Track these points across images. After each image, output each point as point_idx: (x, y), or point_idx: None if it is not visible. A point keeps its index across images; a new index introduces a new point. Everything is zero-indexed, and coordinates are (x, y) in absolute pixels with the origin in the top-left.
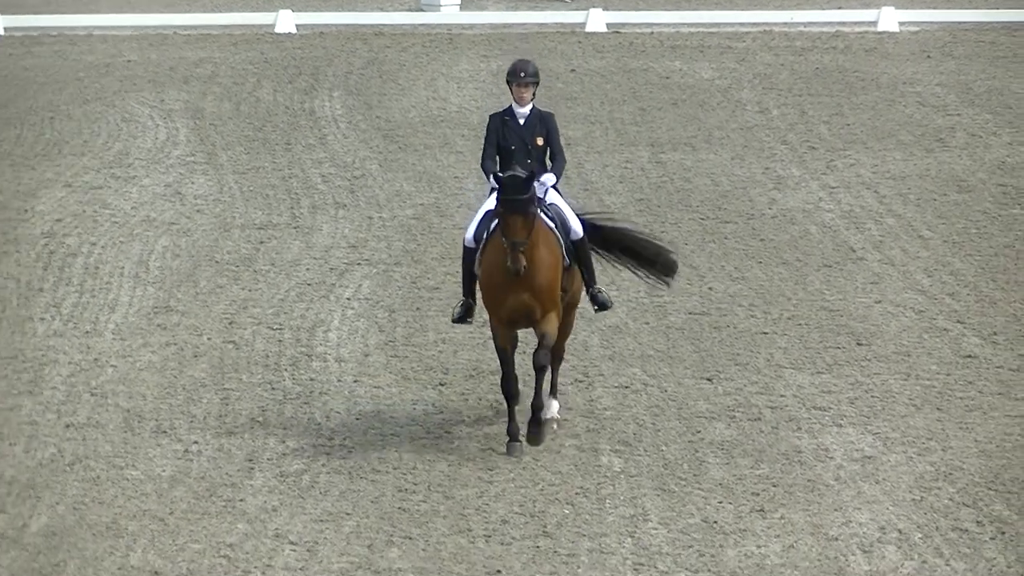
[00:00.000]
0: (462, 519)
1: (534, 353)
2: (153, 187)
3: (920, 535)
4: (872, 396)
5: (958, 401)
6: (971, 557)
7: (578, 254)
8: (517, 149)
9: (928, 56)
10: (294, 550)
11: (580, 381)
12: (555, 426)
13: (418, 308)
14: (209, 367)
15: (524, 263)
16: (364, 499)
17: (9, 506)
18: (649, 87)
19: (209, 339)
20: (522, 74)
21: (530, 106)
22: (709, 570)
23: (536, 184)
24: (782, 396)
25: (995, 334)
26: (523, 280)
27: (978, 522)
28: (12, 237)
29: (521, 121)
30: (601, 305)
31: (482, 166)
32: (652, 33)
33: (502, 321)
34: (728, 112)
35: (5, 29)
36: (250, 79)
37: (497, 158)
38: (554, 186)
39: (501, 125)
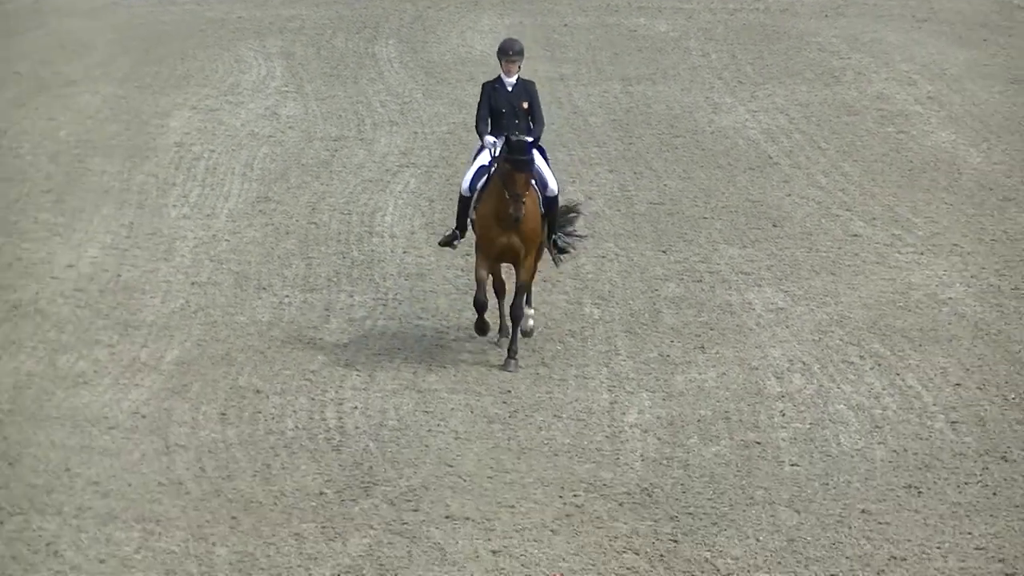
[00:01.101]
0: (482, 353)
1: (511, 305)
2: (256, 110)
3: (818, 366)
4: (783, 264)
5: (847, 268)
6: (855, 382)
7: (549, 206)
8: (507, 112)
9: (826, 16)
10: (359, 375)
11: (568, 253)
12: (531, 322)
13: (450, 199)
14: (297, 241)
15: (524, 211)
16: (410, 339)
17: (150, 342)
18: (621, 37)
19: (296, 221)
20: (511, 52)
21: (516, 77)
22: (663, 391)
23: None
24: (717, 264)
25: (874, 219)
26: (515, 222)
27: (860, 356)
28: (152, 146)
29: (509, 88)
30: (560, 249)
31: (476, 127)
32: None
33: (489, 257)
34: (679, 56)
35: None
36: (327, 30)
37: (488, 120)
38: (539, 147)
39: (492, 91)
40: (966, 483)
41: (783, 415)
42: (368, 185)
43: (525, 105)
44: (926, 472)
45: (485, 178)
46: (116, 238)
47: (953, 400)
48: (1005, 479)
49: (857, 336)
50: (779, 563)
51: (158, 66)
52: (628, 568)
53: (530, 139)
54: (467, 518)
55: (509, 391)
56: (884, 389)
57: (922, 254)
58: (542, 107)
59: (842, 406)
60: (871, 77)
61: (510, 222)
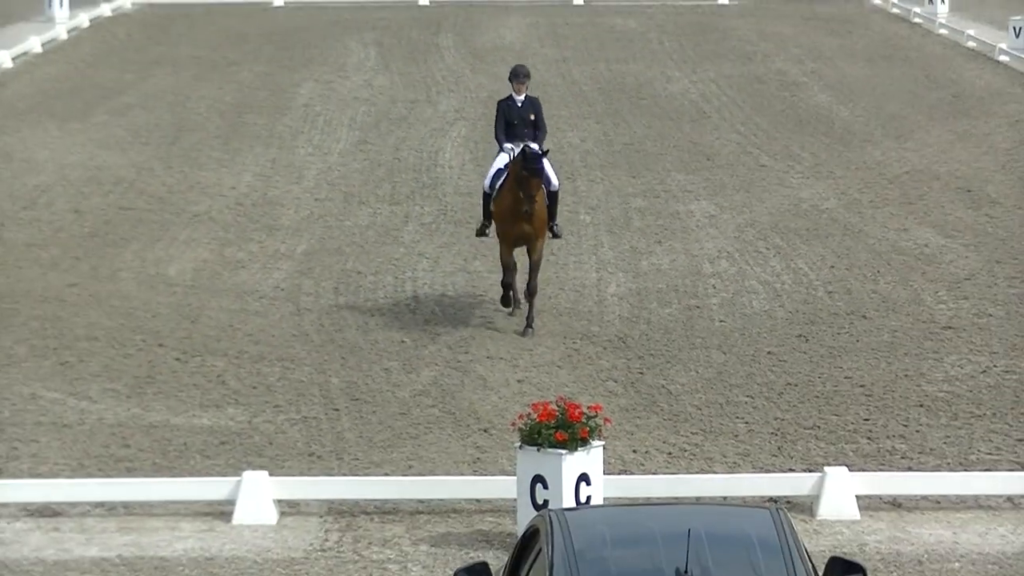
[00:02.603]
0: None
1: (528, 282)
2: (357, 81)
3: (738, 254)
4: (714, 185)
5: (757, 187)
6: (763, 265)
7: (552, 199)
8: (519, 124)
9: (743, 16)
10: (428, 261)
11: (560, 236)
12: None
13: (488, 144)
14: (386, 170)
15: (535, 205)
16: (462, 236)
17: (287, 239)
18: (604, 32)
19: (385, 157)
20: (521, 75)
21: (524, 95)
22: (633, 271)
23: (531, 148)
24: (669, 185)
25: (776, 154)
26: (528, 215)
27: (767, 248)
28: (288, 106)
29: (519, 104)
30: (555, 235)
31: (495, 137)
32: (606, 4)
33: (509, 242)
34: (643, 44)
35: (282, 3)
36: (405, 26)
37: (504, 130)
38: (544, 152)
39: (507, 107)
40: (838, 333)
41: (714, 287)
42: (433, 132)
43: (532, 117)
44: (811, 326)
45: (503, 179)
46: (263, 168)
47: (829, 277)
48: (865, 330)
49: (764, 234)
50: (712, 388)
51: (291, 51)
52: (609, 391)
53: (541, 151)
54: (501, 357)
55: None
56: (783, 270)
57: (808, 178)
58: (544, 118)
59: (754, 281)
60: (773, 58)
61: (524, 215)
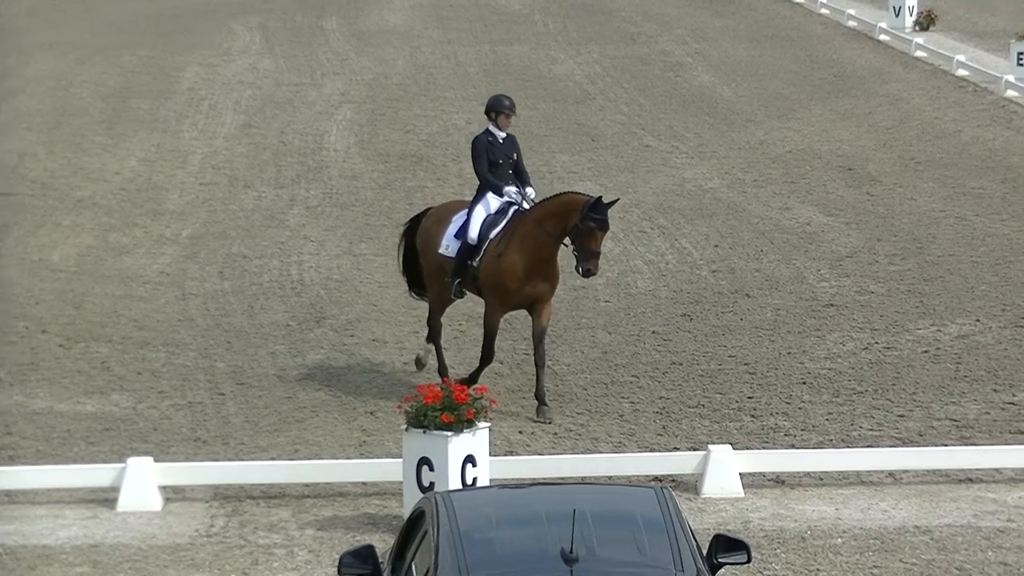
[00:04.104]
0: (397, 228)
1: (537, 352)
2: (242, 65)
3: (623, 234)
4: (599, 166)
5: (642, 168)
6: (648, 245)
7: None
8: (502, 163)
9: None
10: (313, 243)
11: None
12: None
13: (375, 124)
14: (271, 154)
15: (595, 263)
16: (348, 219)
17: (172, 224)
18: (489, 13)
19: (270, 140)
20: (507, 108)
21: (507, 131)
22: None
23: (528, 193)
24: (555, 166)
25: (660, 135)
26: (544, 273)
27: (651, 228)
28: (172, 90)
29: (501, 141)
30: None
31: (484, 178)
32: None
33: (507, 306)
34: (528, 26)
35: None
36: (290, 10)
37: None
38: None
39: (488, 144)
40: (722, 312)
41: (600, 268)
42: (319, 115)
43: (514, 156)
44: (695, 305)
45: (501, 228)
46: (148, 153)
47: (713, 256)
48: (748, 309)
49: (649, 214)
50: (597, 368)
51: (175, 35)
52: (495, 373)
53: (611, 199)
54: (386, 341)
55: None
56: (667, 249)
57: (692, 158)
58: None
59: (639, 261)
60: (657, 39)
61: (585, 273)
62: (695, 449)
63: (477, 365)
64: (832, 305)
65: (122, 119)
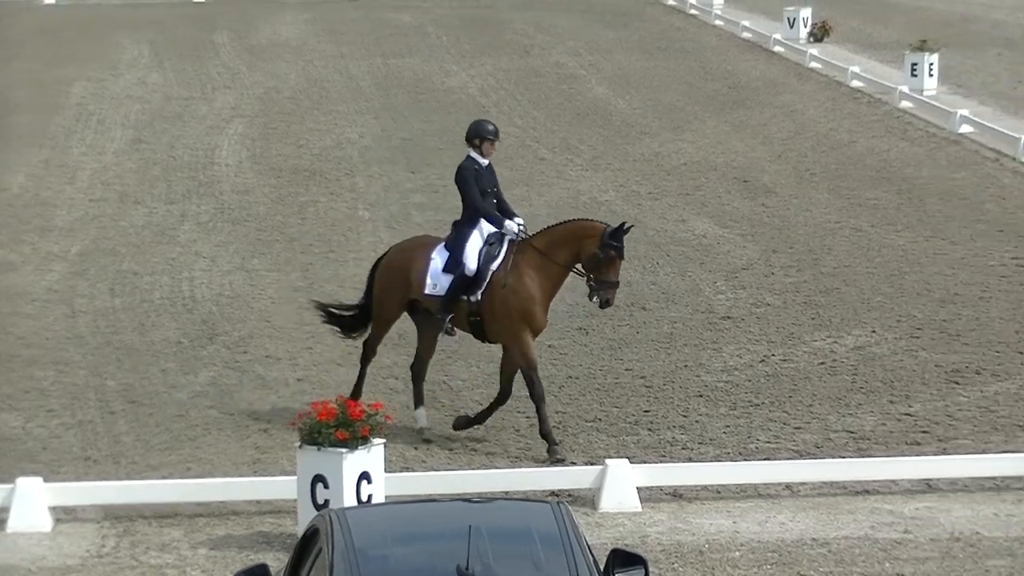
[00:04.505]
0: (289, 243)
1: (536, 388)
2: (131, 79)
3: None
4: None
5: (537, 181)
6: None
7: None
8: (489, 193)
9: (519, 9)
10: (205, 259)
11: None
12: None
13: (267, 137)
14: (161, 169)
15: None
16: (240, 235)
17: (60, 240)
18: (380, 26)
19: (160, 155)
20: (491, 135)
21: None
22: None
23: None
24: (448, 180)
25: (554, 147)
26: (546, 305)
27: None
28: (60, 105)
29: (485, 168)
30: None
31: (480, 208)
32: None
33: (534, 333)
34: (420, 38)
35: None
36: (180, 24)
37: None
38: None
39: (476, 173)
40: (619, 325)
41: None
42: (209, 130)
43: (497, 186)
44: (591, 318)
45: (501, 259)
46: (35, 169)
47: None
48: (644, 322)
49: (540, 228)
50: (492, 382)
51: (62, 49)
52: (391, 389)
53: (628, 227)
54: (280, 357)
55: (309, 267)
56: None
57: (587, 171)
58: None
59: None
60: (551, 51)
61: (604, 305)
62: (592, 464)
63: (490, 403)
64: (728, 317)
65: (8, 134)
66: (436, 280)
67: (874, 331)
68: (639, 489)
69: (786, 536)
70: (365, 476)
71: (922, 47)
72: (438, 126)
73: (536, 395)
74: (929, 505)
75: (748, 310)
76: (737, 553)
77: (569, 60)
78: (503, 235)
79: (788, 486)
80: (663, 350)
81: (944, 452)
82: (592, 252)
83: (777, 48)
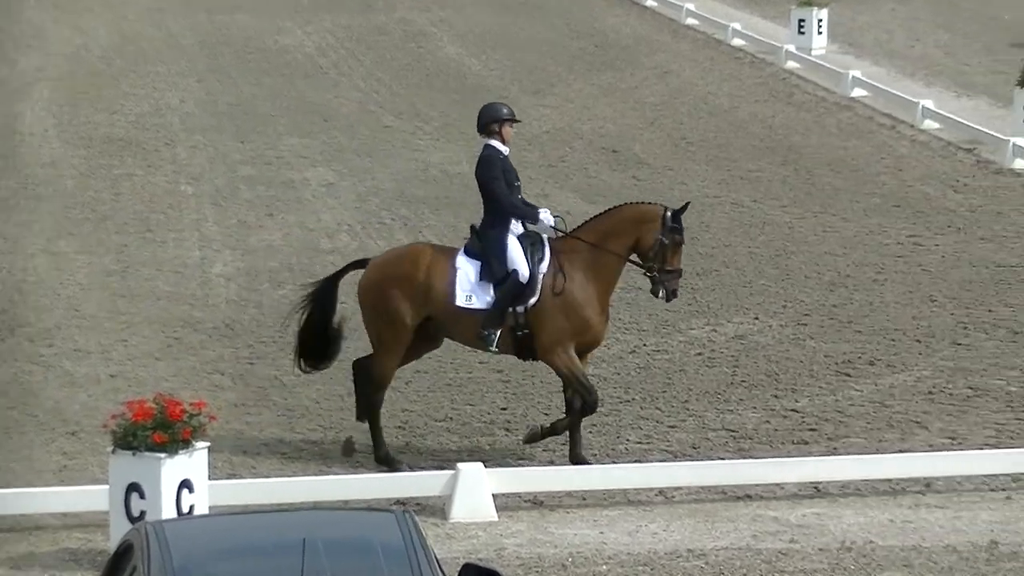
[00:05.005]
0: (100, 222)
1: (575, 399)
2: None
3: (360, 227)
4: (332, 149)
5: (381, 151)
6: (388, 238)
7: None
8: (515, 186)
9: None
10: (4, 242)
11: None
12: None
13: (75, 113)
14: None
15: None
16: (44, 213)
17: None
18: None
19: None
20: (508, 117)
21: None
22: (242, 248)
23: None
24: (282, 150)
25: (401, 113)
26: (605, 307)
27: (392, 219)
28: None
29: (505, 156)
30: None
31: (511, 202)
32: None
33: (593, 344)
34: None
35: None
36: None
37: None
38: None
39: (503, 163)
40: None
41: (333, 265)
42: (11, 95)
43: (519, 179)
44: None
45: (547, 260)
46: None
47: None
48: None
49: (389, 203)
50: (331, 378)
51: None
52: (216, 385)
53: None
54: (90, 351)
55: (123, 249)
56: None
57: (438, 140)
58: None
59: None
60: (396, 6)
61: (605, 305)
62: (442, 468)
63: (568, 417)
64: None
65: None
66: (471, 291)
67: (757, 318)
68: (495, 496)
69: (659, 547)
70: (186, 484)
71: (810, 2)
72: (270, 90)
73: (588, 405)
74: (817, 511)
75: (616, 295)
76: (604, 567)
77: (417, 16)
78: (538, 233)
79: (661, 491)
80: None
81: (834, 452)
82: (655, 239)
83: (650, 2)
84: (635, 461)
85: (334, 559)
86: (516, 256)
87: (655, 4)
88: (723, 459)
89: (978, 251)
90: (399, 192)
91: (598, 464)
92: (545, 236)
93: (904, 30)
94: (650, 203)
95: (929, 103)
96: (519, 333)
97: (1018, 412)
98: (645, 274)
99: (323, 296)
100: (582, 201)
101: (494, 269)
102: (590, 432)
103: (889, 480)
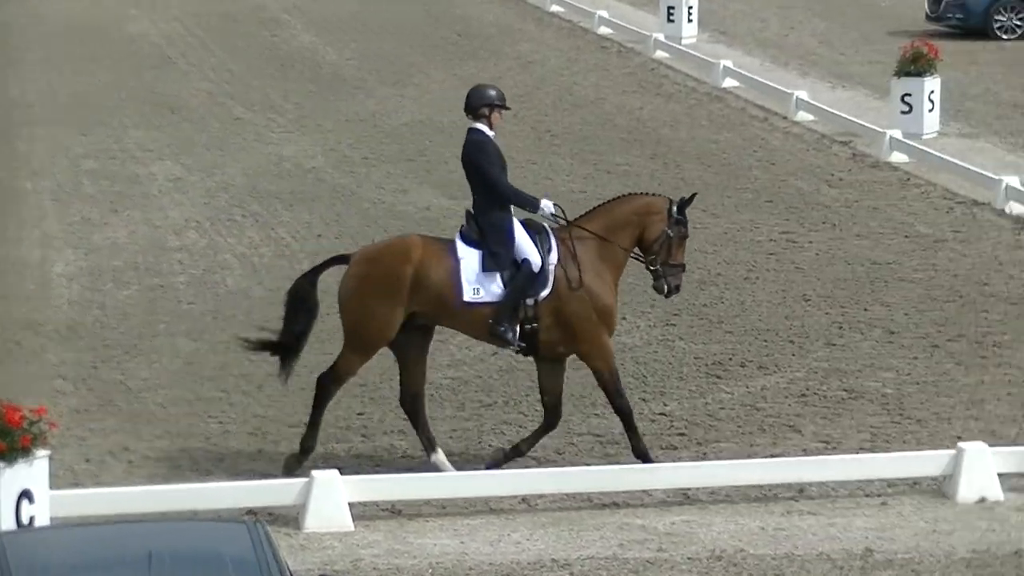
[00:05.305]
0: None
1: (614, 399)
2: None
3: (209, 223)
4: (180, 142)
5: (232, 144)
6: (239, 236)
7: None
8: (504, 169)
9: None
10: None
11: None
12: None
13: None
14: None
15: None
16: None
17: None
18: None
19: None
20: (499, 96)
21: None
22: (85, 247)
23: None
24: (127, 143)
25: (253, 105)
26: (616, 296)
27: (243, 215)
28: None
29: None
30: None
31: (508, 187)
32: None
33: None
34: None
35: None
36: None
37: None
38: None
39: (496, 147)
40: (326, 314)
41: (181, 264)
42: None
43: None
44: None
45: (555, 250)
46: None
47: (316, 247)
48: None
49: (240, 199)
50: (179, 382)
51: None
52: (57, 390)
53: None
54: None
55: None
56: (261, 241)
57: (292, 132)
58: None
59: (228, 255)
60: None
61: (672, 292)
62: (296, 476)
63: (626, 429)
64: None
65: None
66: (477, 283)
67: (624, 318)
68: (351, 505)
69: (522, 557)
70: (26, 494)
71: None
72: (114, 80)
73: (625, 409)
74: (686, 519)
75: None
76: None
77: (270, 2)
78: (539, 222)
79: (524, 499)
80: None
81: (703, 457)
82: (660, 231)
83: None
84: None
85: (182, 573)
86: (525, 245)
87: None
88: (589, 465)
89: (853, 248)
90: (251, 187)
91: (458, 471)
92: (547, 224)
93: (778, 18)
94: (655, 194)
95: (803, 94)
96: (527, 327)
97: (894, 415)
98: (647, 268)
99: (302, 296)
100: (443, 196)
101: (500, 258)
102: (450, 438)
103: (761, 486)
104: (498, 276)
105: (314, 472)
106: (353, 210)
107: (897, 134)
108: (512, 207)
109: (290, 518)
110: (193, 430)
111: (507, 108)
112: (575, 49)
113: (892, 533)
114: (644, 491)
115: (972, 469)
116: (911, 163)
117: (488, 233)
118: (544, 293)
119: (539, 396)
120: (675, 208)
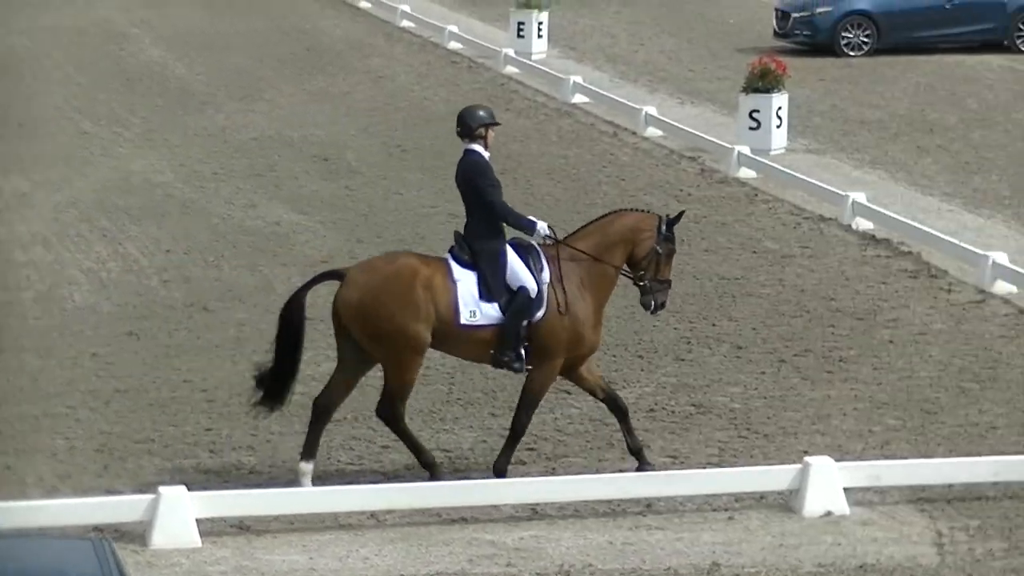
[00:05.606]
0: None
1: (616, 405)
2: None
3: (56, 239)
4: (27, 156)
5: (79, 159)
6: (86, 251)
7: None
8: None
9: None
10: None
11: None
12: None
13: None
14: None
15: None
16: None
17: None
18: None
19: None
20: (491, 115)
21: None
22: None
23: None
24: None
25: (100, 119)
26: (601, 316)
27: (90, 231)
28: None
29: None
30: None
31: (506, 209)
32: None
33: (588, 353)
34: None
35: None
36: None
37: None
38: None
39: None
40: (175, 329)
41: (28, 279)
42: None
43: None
44: (144, 321)
45: (547, 271)
46: None
47: (164, 263)
48: (207, 325)
49: (87, 214)
50: (25, 398)
51: None
52: None
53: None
54: None
55: None
56: (109, 256)
57: (140, 147)
58: None
59: (76, 270)
60: (96, 5)
61: (658, 309)
62: (142, 492)
63: (506, 443)
64: (309, 319)
65: None
66: (474, 307)
67: None
68: (199, 521)
69: (370, 572)
70: None
71: (528, 4)
72: None
73: (520, 429)
74: (535, 534)
75: (326, 309)
76: None
77: (118, 16)
78: (530, 243)
79: (373, 514)
80: (229, 358)
81: (552, 472)
82: (650, 248)
83: (364, 4)
84: (346, 483)
85: None
86: (520, 272)
87: (369, 6)
88: (437, 481)
89: (701, 263)
90: (98, 202)
91: (305, 488)
92: (535, 242)
93: (627, 34)
94: (645, 211)
95: (652, 110)
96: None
97: (741, 430)
98: (635, 283)
99: (298, 318)
100: (292, 212)
101: (495, 287)
102: (298, 454)
103: (609, 501)
104: (494, 302)
105: (161, 488)
106: (202, 225)
107: (745, 150)
108: (504, 230)
109: (137, 535)
110: (39, 446)
111: (498, 124)
112: (425, 64)
113: (739, 547)
114: (493, 506)
115: (818, 484)
116: (759, 179)
117: (482, 259)
118: (539, 314)
119: (595, 400)
120: (664, 225)
